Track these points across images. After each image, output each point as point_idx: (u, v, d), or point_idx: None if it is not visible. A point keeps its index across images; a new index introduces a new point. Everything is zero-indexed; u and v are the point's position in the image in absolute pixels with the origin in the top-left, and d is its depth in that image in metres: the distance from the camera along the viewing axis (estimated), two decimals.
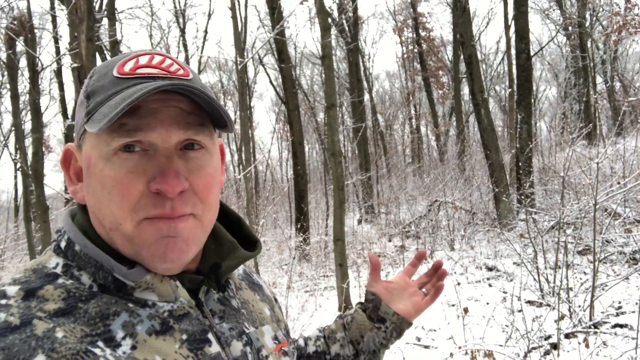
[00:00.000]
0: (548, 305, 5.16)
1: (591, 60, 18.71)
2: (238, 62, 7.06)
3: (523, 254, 6.31)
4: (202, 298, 0.67)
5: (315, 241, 11.14)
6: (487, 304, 5.74)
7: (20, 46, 9.94)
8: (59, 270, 0.60)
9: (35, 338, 0.51)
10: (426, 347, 4.80)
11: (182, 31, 19.84)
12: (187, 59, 19.17)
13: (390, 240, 10.99)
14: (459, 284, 6.54)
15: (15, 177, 19.80)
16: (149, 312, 0.61)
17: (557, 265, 5.51)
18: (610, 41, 18.51)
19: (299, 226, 11.04)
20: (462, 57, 13.35)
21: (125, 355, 0.56)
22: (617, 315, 4.68)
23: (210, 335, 0.64)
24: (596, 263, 4.81)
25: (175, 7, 19.77)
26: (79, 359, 0.52)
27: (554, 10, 20.52)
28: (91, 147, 0.61)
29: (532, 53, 11.01)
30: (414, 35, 23.98)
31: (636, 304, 4.77)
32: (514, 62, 11.45)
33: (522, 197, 7.86)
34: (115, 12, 11.27)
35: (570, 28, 18.31)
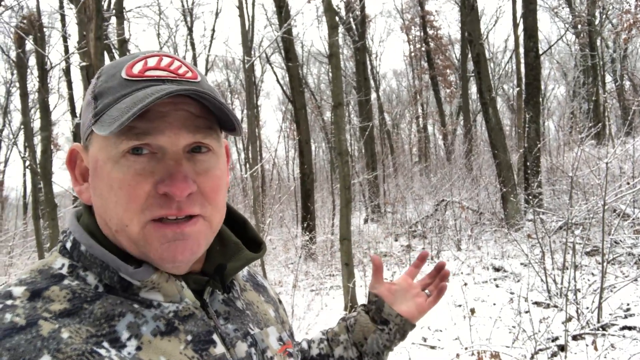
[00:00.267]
0: (555, 306, 5.13)
1: (600, 59, 18.54)
2: (245, 60, 7.07)
3: (530, 254, 6.27)
4: (207, 299, 0.68)
5: (322, 240, 11.13)
6: (494, 304, 5.71)
7: (29, 45, 10.03)
8: (64, 271, 0.61)
9: (40, 338, 0.52)
10: (432, 347, 4.79)
11: (190, 30, 19.88)
12: (194, 58, 19.22)
13: (396, 240, 10.96)
14: (465, 284, 6.52)
15: (24, 175, 20.02)
16: (154, 312, 0.61)
17: (564, 266, 5.47)
18: (620, 39, 18.30)
19: (305, 225, 11.04)
20: (470, 55, 13.28)
21: (130, 356, 0.56)
22: (626, 317, 4.64)
23: (215, 336, 0.64)
24: (604, 264, 4.77)
25: (182, 5, 19.83)
26: None
27: (563, 8, 20.34)
28: (99, 148, 0.61)
29: (540, 51, 10.93)
30: (422, 34, 23.89)
31: None
32: (522, 60, 11.38)
33: (530, 197, 7.81)
34: (124, 10, 11.33)
35: (579, 26, 18.13)
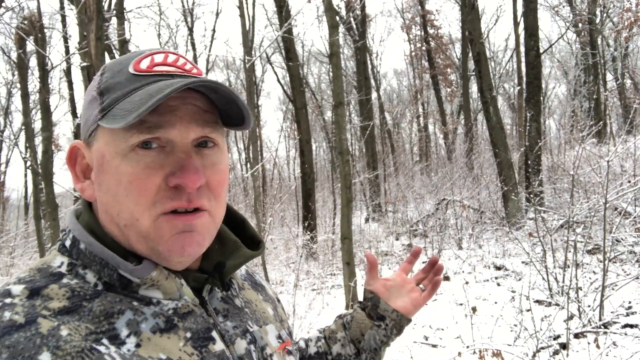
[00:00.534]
0: (557, 304, 5.12)
1: (601, 58, 18.52)
2: (246, 60, 7.07)
3: (532, 253, 6.27)
4: (206, 297, 0.68)
5: (323, 239, 11.13)
6: (496, 303, 5.71)
7: (30, 46, 10.04)
8: (63, 269, 0.61)
9: (40, 336, 0.52)
10: (434, 346, 4.78)
11: (190, 30, 19.89)
12: (195, 58, 19.22)
13: (397, 239, 10.96)
14: (467, 283, 6.52)
15: (26, 175, 20.07)
16: (153, 310, 0.61)
17: (566, 264, 5.46)
18: (621, 38, 18.26)
19: (306, 224, 11.04)
20: (470, 54, 13.27)
21: (129, 353, 0.56)
22: (627, 315, 4.63)
23: (214, 334, 0.64)
24: (606, 262, 4.76)
25: (183, 6, 19.84)
26: (84, 357, 0.52)
27: (563, 6, 20.32)
28: (105, 143, 0.61)
29: (541, 50, 10.91)
30: (422, 33, 23.87)
31: None
32: (523, 59, 11.36)
33: (531, 195, 7.79)
34: (124, 11, 11.34)
35: (580, 25, 18.11)
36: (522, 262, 7.01)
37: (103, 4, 7.12)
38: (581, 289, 5.09)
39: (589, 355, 3.76)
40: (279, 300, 0.89)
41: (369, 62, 20.13)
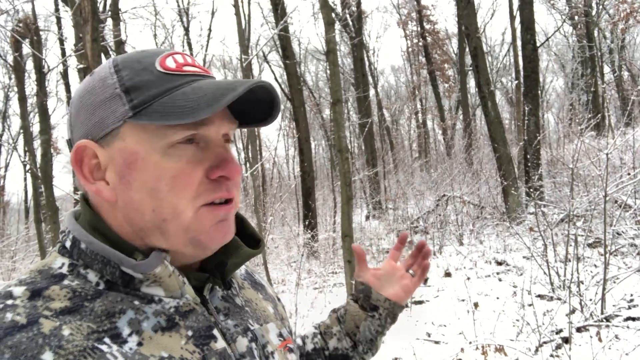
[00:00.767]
0: (559, 299, 5.13)
1: (598, 50, 18.50)
2: (242, 59, 7.05)
3: (533, 247, 6.27)
4: (207, 295, 0.69)
5: (324, 238, 11.14)
6: (497, 298, 5.71)
7: (26, 49, 10.01)
8: (64, 270, 0.61)
9: (42, 336, 0.52)
10: (436, 342, 4.79)
11: (186, 30, 19.83)
12: None
13: (398, 236, 10.95)
14: (468, 278, 6.52)
15: (25, 179, 20.03)
16: (155, 308, 0.61)
17: (567, 258, 5.46)
18: (618, 30, 18.30)
19: (306, 223, 11.04)
20: (467, 49, 13.25)
21: (131, 352, 0.56)
22: (629, 308, 4.63)
23: (215, 332, 0.65)
24: (607, 256, 4.76)
25: (178, 5, 19.76)
26: (86, 356, 0.53)
27: None
28: (136, 141, 0.61)
29: (538, 44, 10.86)
30: (419, 29, 23.83)
31: None
32: (520, 53, 11.36)
33: (531, 190, 7.79)
34: (119, 12, 11.30)
35: (576, 17, 18.09)
36: (524, 257, 7.01)
37: (98, 5, 7.10)
38: (583, 283, 5.10)
39: (591, 348, 3.76)
40: (279, 299, 0.90)
41: (366, 58, 20.09)
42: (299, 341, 1.01)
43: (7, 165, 22.60)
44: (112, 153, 0.62)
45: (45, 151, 7.64)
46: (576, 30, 19.27)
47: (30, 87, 12.20)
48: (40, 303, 0.55)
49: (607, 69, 20.62)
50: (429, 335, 4.96)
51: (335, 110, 6.57)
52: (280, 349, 0.75)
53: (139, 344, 0.57)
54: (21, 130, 14.66)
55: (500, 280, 6.49)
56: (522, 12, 10.42)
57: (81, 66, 5.64)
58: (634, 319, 4.36)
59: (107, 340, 0.56)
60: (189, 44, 19.81)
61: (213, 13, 19.32)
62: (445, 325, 5.18)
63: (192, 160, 0.62)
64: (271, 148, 25.18)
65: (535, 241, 6.89)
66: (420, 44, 23.99)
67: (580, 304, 4.65)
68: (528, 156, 9.47)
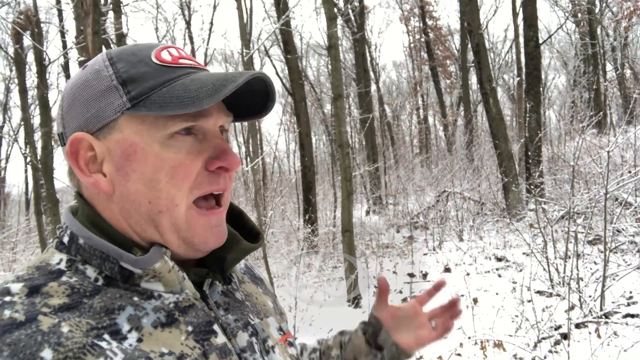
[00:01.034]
0: (558, 295, 5.13)
1: (601, 48, 18.43)
2: (244, 53, 7.03)
3: (532, 244, 6.27)
4: (206, 290, 0.68)
5: (324, 232, 11.15)
6: (497, 294, 5.72)
7: (27, 41, 9.98)
8: (62, 266, 0.60)
9: (41, 333, 0.52)
10: None
11: (188, 23, 19.79)
12: (193, 51, 19.13)
13: (398, 231, 10.96)
14: (468, 274, 6.53)
15: (26, 171, 20.03)
16: (154, 304, 0.61)
17: (567, 255, 5.47)
18: (621, 27, 18.20)
19: (307, 218, 11.04)
20: (469, 45, 13.20)
21: (131, 348, 0.56)
22: (628, 305, 4.64)
23: (215, 327, 0.65)
24: (607, 253, 4.76)
25: None
26: (86, 352, 0.52)
27: None
28: (135, 132, 0.61)
29: (540, 41, 10.83)
30: (421, 24, 23.75)
31: None
32: (522, 50, 11.31)
33: (532, 186, 7.79)
34: (121, 5, 11.25)
35: (579, 15, 18.01)
36: (523, 253, 7.01)
37: None
38: (582, 280, 5.11)
39: (590, 345, 3.77)
40: (275, 296, 0.90)
41: (367, 54, 20.05)
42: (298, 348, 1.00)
43: (7, 157, 22.64)
44: (110, 145, 0.62)
45: (45, 143, 7.63)
46: (579, 28, 19.19)
47: (31, 79, 12.15)
48: (38, 300, 0.55)
49: (609, 66, 20.55)
50: None
51: (337, 106, 6.56)
52: (281, 343, 0.74)
53: (139, 340, 0.57)
54: (22, 122, 14.64)
55: (499, 276, 6.51)
56: (524, 9, 10.37)
57: (82, 59, 5.63)
58: (632, 316, 4.37)
59: (106, 336, 0.55)
60: (191, 38, 19.76)
61: (215, 7, 19.23)
62: None
63: (191, 151, 0.62)
64: (272, 142, 25.20)
65: (535, 238, 6.89)
66: (423, 39, 23.92)
67: (580, 300, 4.66)
68: (529, 153, 9.46)
